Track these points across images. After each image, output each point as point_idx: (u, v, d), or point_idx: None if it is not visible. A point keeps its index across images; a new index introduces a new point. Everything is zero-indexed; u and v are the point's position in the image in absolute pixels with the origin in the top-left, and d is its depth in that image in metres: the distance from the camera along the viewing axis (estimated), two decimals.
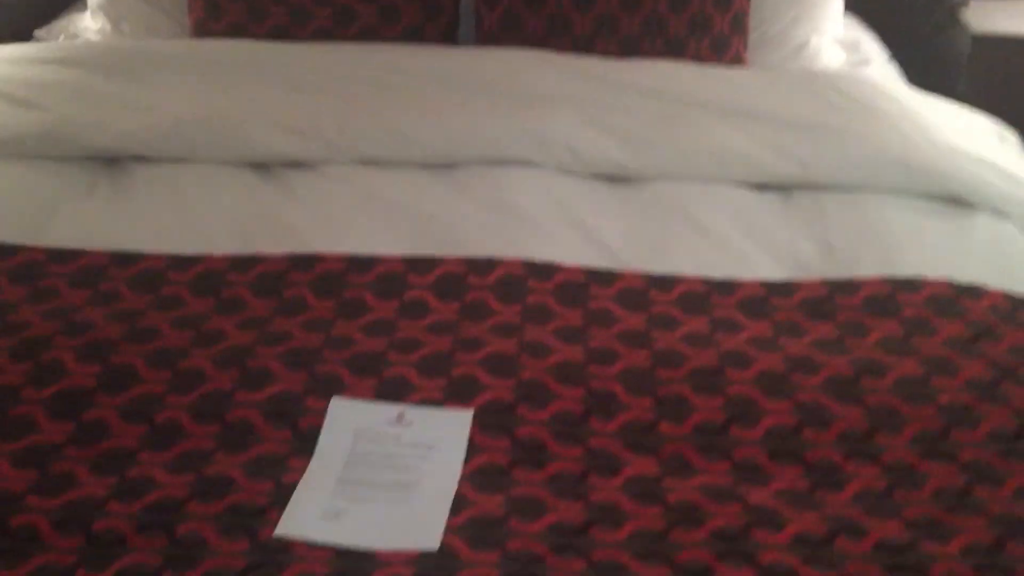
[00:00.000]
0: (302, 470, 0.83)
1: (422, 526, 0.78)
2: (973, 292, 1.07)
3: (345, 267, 1.09)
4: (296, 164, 1.31)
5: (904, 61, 1.75)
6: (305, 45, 1.54)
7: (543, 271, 1.09)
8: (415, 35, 1.62)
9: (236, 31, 1.59)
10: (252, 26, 1.59)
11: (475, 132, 1.32)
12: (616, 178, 1.30)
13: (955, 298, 1.06)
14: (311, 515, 0.79)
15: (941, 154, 1.29)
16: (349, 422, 0.89)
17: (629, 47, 1.58)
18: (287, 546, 0.76)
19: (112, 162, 1.32)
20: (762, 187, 1.28)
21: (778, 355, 0.97)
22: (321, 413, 0.89)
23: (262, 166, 1.31)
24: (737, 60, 1.60)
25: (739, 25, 1.60)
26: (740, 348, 0.98)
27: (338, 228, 1.19)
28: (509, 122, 1.34)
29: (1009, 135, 1.44)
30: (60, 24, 1.73)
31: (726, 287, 1.07)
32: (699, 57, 1.58)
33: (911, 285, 1.07)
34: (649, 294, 1.06)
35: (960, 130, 1.37)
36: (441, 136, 1.32)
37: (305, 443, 0.86)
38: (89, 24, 1.71)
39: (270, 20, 1.60)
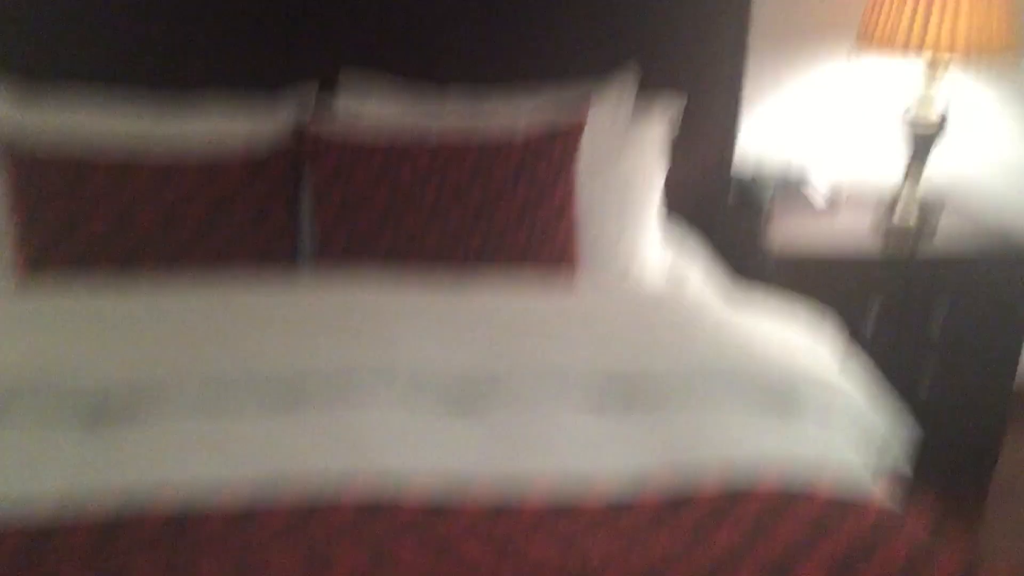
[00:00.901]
0: None
1: None
2: (805, 494, 1.08)
3: (176, 525, 0.99)
4: (130, 407, 1.21)
5: (727, 258, 1.88)
6: (137, 286, 1.49)
7: (387, 508, 1.03)
8: (253, 260, 1.58)
9: (66, 273, 1.52)
10: (86, 265, 1.52)
11: (317, 363, 1.29)
12: (462, 400, 1.28)
13: (788, 501, 1.07)
14: None
15: (765, 360, 1.34)
16: None
17: (466, 270, 1.61)
18: None
19: None
20: (601, 404, 1.28)
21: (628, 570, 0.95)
22: None
23: (93, 413, 1.21)
24: (570, 276, 1.66)
25: (571, 240, 1.67)
26: (590, 567, 0.95)
27: (175, 470, 1.10)
28: (352, 350, 1.31)
29: (825, 335, 1.51)
30: None
31: (571, 509, 1.06)
32: (537, 272, 1.63)
33: (747, 491, 1.08)
34: (497, 520, 1.03)
35: (779, 336, 1.43)
36: (282, 370, 1.27)
37: None
38: None
39: (105, 258, 1.53)
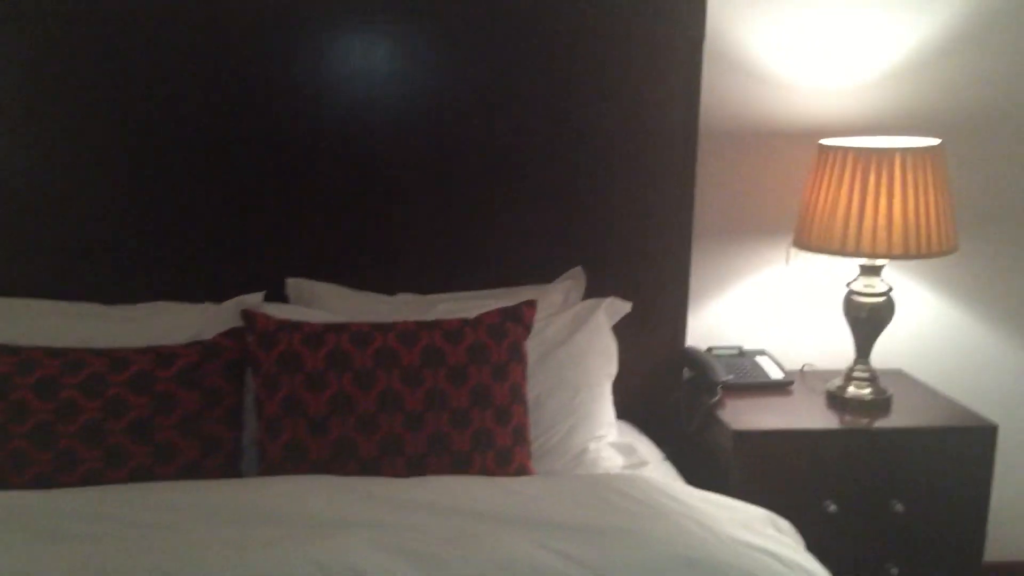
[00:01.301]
0: None
1: None
2: None
3: None
4: None
5: (678, 459, 1.86)
6: (70, 490, 1.43)
7: None
8: (193, 472, 1.54)
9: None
10: (12, 476, 1.48)
11: (254, 568, 1.21)
12: None
13: None
14: None
15: (724, 547, 1.30)
16: None
17: (415, 466, 1.56)
18: None
19: None
20: None
21: None
22: None
23: None
24: (522, 470, 1.62)
25: (520, 437, 1.64)
26: None
27: None
28: (292, 553, 1.24)
29: (783, 522, 1.50)
30: None
31: None
32: (485, 471, 1.58)
33: None
34: None
35: (738, 523, 1.41)
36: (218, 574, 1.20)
37: None
38: None
39: (33, 468, 1.49)
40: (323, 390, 1.57)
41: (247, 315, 1.66)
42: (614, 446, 1.81)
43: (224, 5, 1.83)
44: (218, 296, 1.81)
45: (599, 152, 1.96)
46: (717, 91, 2.03)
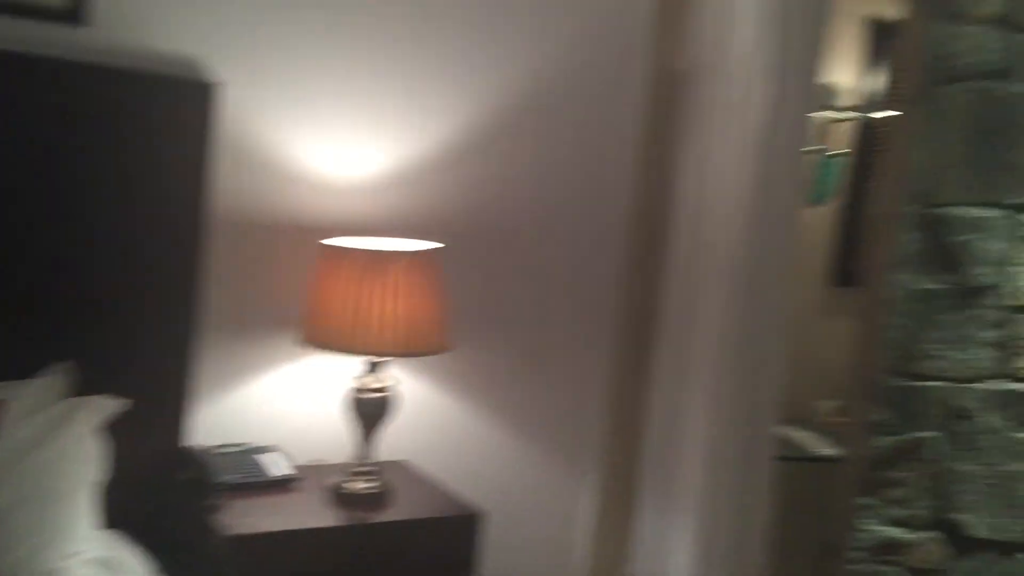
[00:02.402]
0: None
1: None
2: None
3: None
4: None
5: (173, 571, 1.70)
6: None
7: None
8: None
9: None
10: None
11: None
12: None
13: None
14: None
15: None
16: None
17: None
18: None
19: None
20: None
21: None
22: None
23: None
24: None
25: None
26: None
27: None
28: None
29: None
30: None
31: None
32: None
33: None
34: None
35: None
36: None
37: None
38: None
39: None
40: None
41: None
42: (94, 562, 1.60)
43: None
44: None
45: (94, 242, 1.80)
46: (229, 183, 1.97)
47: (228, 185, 1.97)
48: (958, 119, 1.92)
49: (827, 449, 2.94)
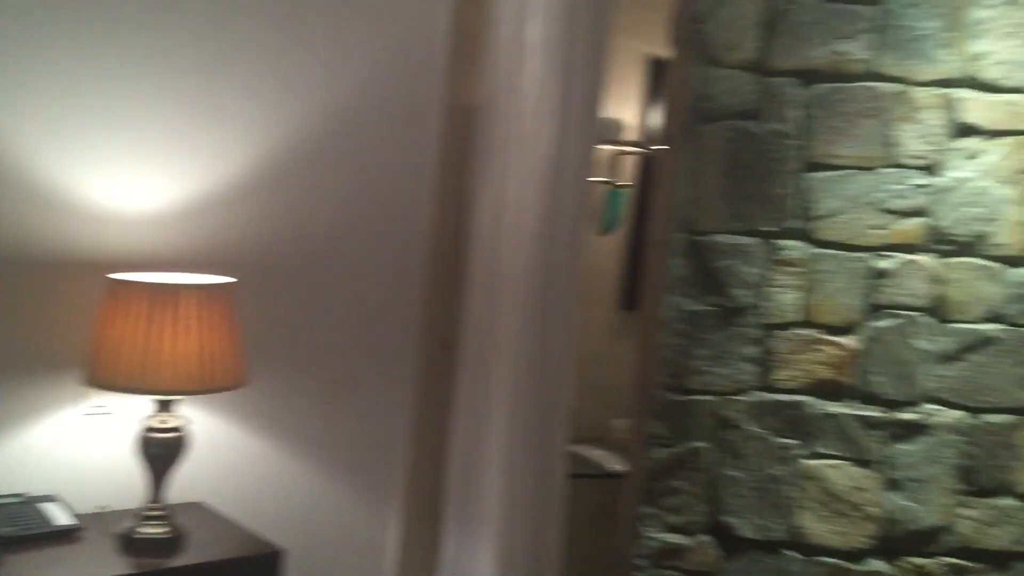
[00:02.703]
0: None
1: None
2: None
3: None
4: None
5: None
6: None
7: None
8: None
9: None
10: None
11: None
12: None
13: None
14: None
15: None
16: None
17: None
18: None
19: None
20: None
21: None
22: None
23: None
24: None
25: None
26: None
27: None
28: None
29: None
30: None
31: None
32: None
33: None
34: None
35: None
36: None
37: None
38: None
39: None
40: None
41: None
42: None
43: None
44: None
45: None
46: (2, 218, 1.87)
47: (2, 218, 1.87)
48: (717, 155, 2.11)
49: (619, 465, 3.10)
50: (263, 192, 2.25)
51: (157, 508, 1.96)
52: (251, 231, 2.24)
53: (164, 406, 1.95)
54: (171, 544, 1.93)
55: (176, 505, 2.02)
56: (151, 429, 1.94)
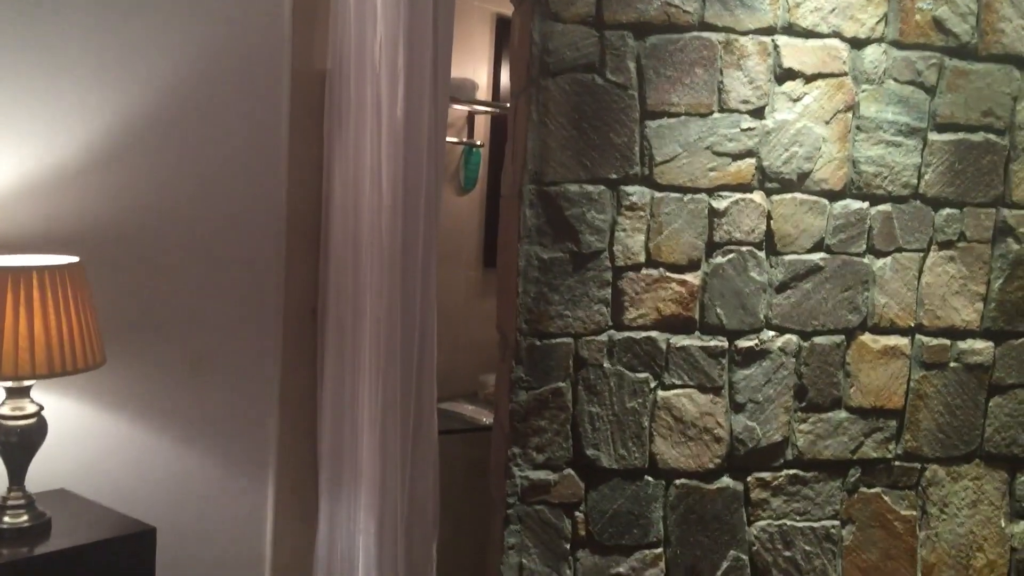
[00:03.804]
0: None
1: None
2: None
3: None
4: None
5: None
6: None
7: None
8: None
9: None
10: None
11: None
12: None
13: None
14: None
15: None
16: None
17: None
18: None
19: None
20: None
21: None
22: None
23: None
24: None
25: None
26: None
27: None
28: None
29: None
30: None
31: None
32: None
33: None
34: None
35: None
36: None
37: None
38: None
39: None
40: None
41: None
42: None
43: None
44: None
45: None
46: None
47: None
48: (563, 107, 2.17)
49: (491, 419, 3.17)
50: (106, 169, 2.17)
51: (18, 497, 1.90)
52: (96, 209, 2.16)
53: (17, 392, 1.88)
54: (35, 532, 1.87)
55: (38, 494, 1.96)
56: (5, 417, 1.87)
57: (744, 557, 2.33)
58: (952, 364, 2.43)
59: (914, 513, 2.44)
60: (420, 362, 2.61)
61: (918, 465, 2.44)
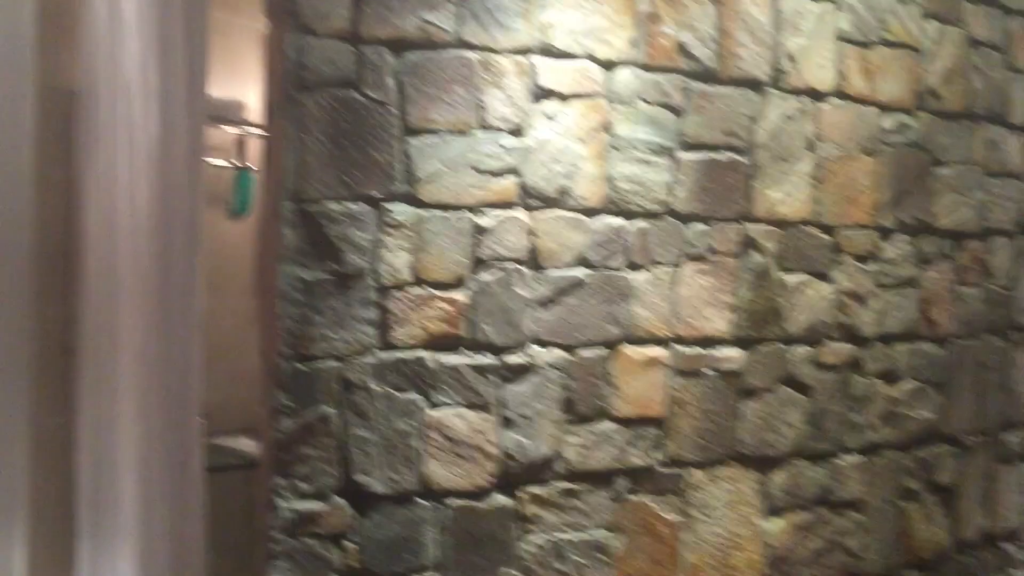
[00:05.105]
0: None
1: None
2: None
3: None
4: None
5: None
6: None
7: None
8: None
9: None
10: None
11: None
12: None
13: None
14: None
15: None
16: None
17: None
18: None
19: None
20: None
21: None
22: None
23: None
24: None
25: None
26: None
27: None
28: None
29: None
30: None
31: None
32: None
33: None
34: None
35: None
36: None
37: None
38: None
39: None
40: None
41: None
42: None
43: None
44: None
45: None
46: None
47: None
48: (321, 123, 2.09)
49: None
50: None
51: None
52: None
53: None
54: None
55: None
56: None
57: (517, 575, 2.32)
58: (707, 371, 2.55)
59: (678, 517, 2.52)
60: (184, 397, 2.44)
61: (679, 470, 2.52)
